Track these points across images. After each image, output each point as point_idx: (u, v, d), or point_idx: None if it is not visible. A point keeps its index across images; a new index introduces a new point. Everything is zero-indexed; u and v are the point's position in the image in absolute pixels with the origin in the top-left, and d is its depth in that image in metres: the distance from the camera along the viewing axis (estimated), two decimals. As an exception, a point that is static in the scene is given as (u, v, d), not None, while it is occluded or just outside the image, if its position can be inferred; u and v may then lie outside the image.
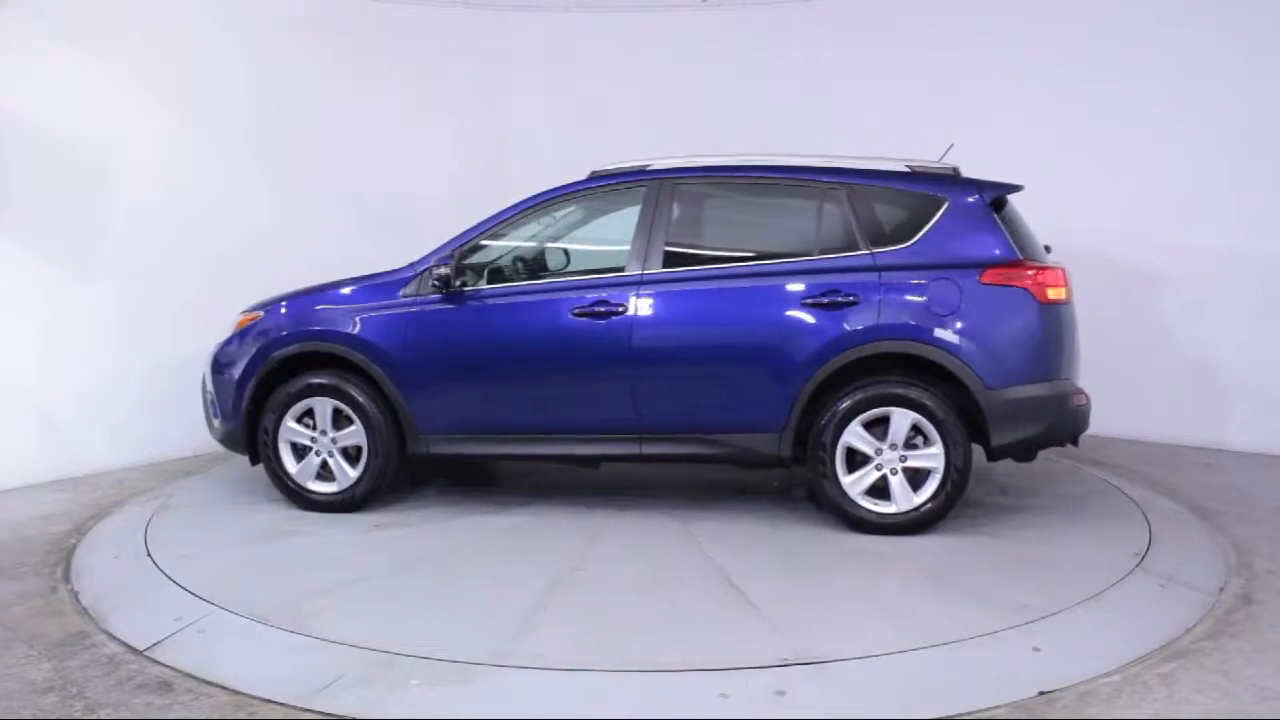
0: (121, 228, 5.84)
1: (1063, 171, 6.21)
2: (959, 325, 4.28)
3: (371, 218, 6.85)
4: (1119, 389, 5.72)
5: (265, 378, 4.85)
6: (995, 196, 4.44)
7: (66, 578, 4.14)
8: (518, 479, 5.56)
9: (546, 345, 4.60)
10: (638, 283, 4.56)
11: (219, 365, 5.02)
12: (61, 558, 4.37)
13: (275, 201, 6.51)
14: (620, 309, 4.52)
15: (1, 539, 4.61)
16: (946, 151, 4.68)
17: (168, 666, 3.26)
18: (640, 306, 4.52)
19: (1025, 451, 4.49)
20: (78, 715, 2.96)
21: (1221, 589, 3.84)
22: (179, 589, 3.82)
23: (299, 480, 4.85)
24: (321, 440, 4.83)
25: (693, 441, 4.54)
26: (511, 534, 4.51)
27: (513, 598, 3.68)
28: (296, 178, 6.62)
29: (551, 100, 7.42)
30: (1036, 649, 3.25)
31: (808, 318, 4.38)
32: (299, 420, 4.84)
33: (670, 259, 4.58)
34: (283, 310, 4.98)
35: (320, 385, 4.79)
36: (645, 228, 4.63)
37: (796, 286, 4.42)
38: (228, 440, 5.02)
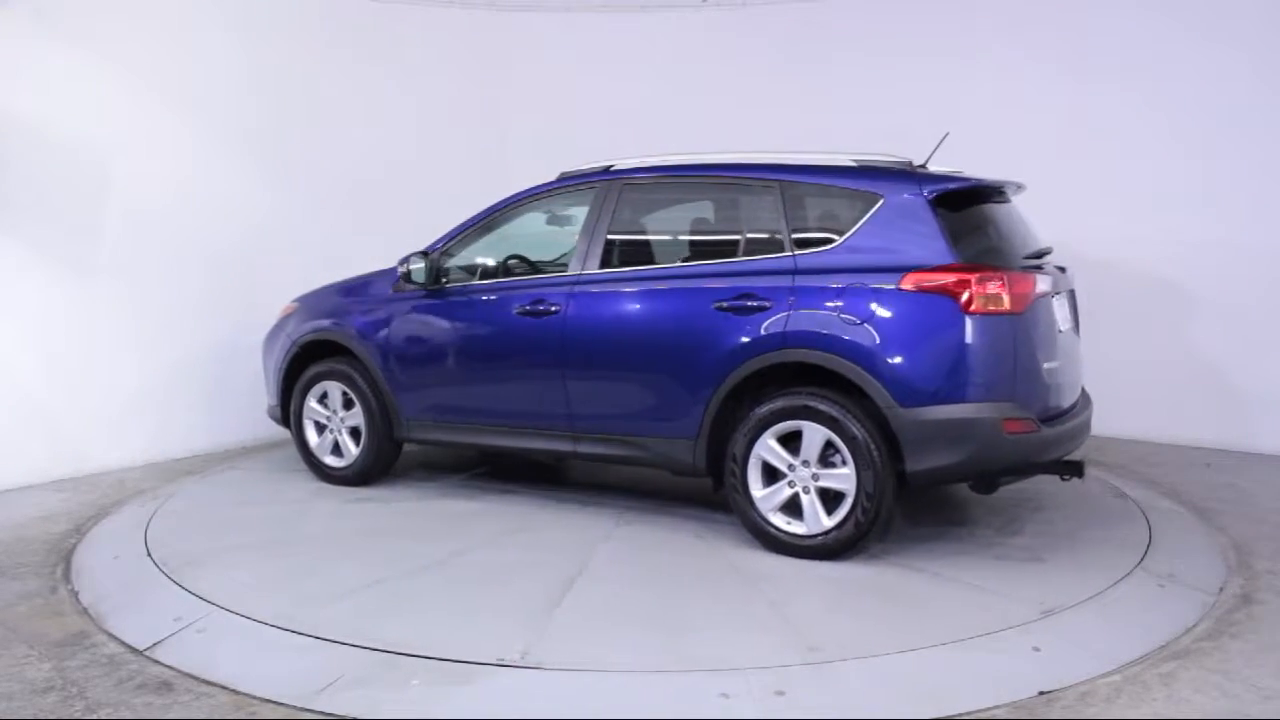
0: (122, 227, 5.84)
1: (1063, 171, 6.22)
2: (871, 335, 3.88)
3: (372, 216, 6.86)
4: (1119, 389, 5.72)
5: (293, 361, 5.40)
6: (942, 192, 3.99)
7: (66, 578, 4.14)
8: (540, 471, 5.64)
9: (495, 341, 4.82)
10: (572, 283, 4.63)
11: (265, 349, 5.65)
12: (62, 558, 4.37)
13: (276, 200, 6.51)
14: (554, 309, 4.59)
15: (2, 539, 4.61)
16: (941, 141, 4.37)
17: (168, 666, 3.26)
18: (571, 307, 4.57)
19: (980, 483, 4.09)
20: (78, 715, 2.96)
21: (1221, 589, 3.85)
22: (179, 589, 3.83)
23: (317, 454, 5.39)
24: (333, 420, 5.33)
25: (620, 444, 4.52)
26: (451, 518, 4.75)
27: (367, 573, 3.94)
28: (297, 176, 6.63)
29: (551, 100, 7.42)
30: (1036, 649, 3.25)
31: (720, 323, 4.17)
32: (319, 401, 5.36)
33: (607, 260, 4.59)
34: (308, 301, 5.53)
35: (329, 370, 5.28)
36: (589, 229, 4.67)
37: (713, 289, 4.24)
38: (272, 415, 5.62)
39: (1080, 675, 3.09)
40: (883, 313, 3.90)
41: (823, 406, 3.96)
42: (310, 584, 3.86)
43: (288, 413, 5.47)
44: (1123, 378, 5.95)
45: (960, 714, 2.88)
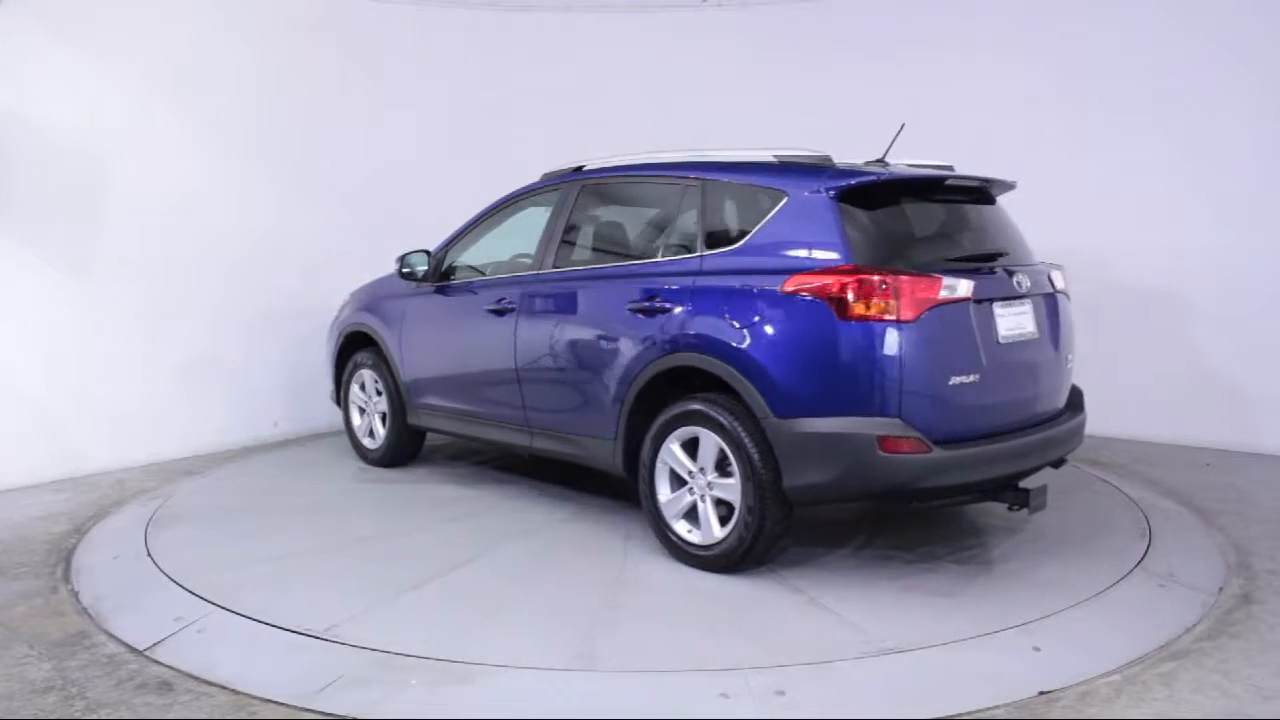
0: (124, 228, 5.84)
1: (1062, 172, 6.22)
2: (752, 340, 3.71)
3: (373, 216, 6.86)
4: (1119, 389, 5.72)
5: (342, 351, 5.87)
6: (847, 188, 3.70)
7: (66, 578, 4.14)
8: (541, 464, 5.67)
9: (469, 336, 5.01)
10: (525, 282, 4.75)
11: (327, 338, 6.07)
12: (61, 558, 4.37)
13: (277, 201, 6.51)
14: (511, 307, 4.75)
15: (2, 539, 4.61)
16: (898, 134, 4.15)
17: (168, 666, 3.26)
18: (523, 305, 4.71)
19: (896, 500, 3.83)
20: (78, 715, 2.96)
21: (1221, 589, 3.84)
22: (179, 589, 3.83)
23: (357, 435, 5.85)
24: (369, 405, 5.76)
25: (562, 441, 4.59)
26: (423, 502, 5.03)
27: (292, 545, 4.30)
28: (299, 176, 6.63)
29: (551, 100, 7.42)
30: (1036, 649, 3.26)
31: (631, 324, 4.15)
32: (360, 387, 5.80)
33: (560, 260, 4.67)
34: (355, 294, 5.92)
35: (364, 360, 5.70)
36: (548, 229, 4.76)
37: (629, 291, 4.20)
38: (332, 399, 6.09)
39: (1080, 675, 3.09)
40: (764, 317, 3.72)
41: (712, 413, 3.82)
42: (228, 552, 4.20)
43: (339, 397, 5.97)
44: (1123, 378, 5.95)
45: (960, 714, 2.88)
